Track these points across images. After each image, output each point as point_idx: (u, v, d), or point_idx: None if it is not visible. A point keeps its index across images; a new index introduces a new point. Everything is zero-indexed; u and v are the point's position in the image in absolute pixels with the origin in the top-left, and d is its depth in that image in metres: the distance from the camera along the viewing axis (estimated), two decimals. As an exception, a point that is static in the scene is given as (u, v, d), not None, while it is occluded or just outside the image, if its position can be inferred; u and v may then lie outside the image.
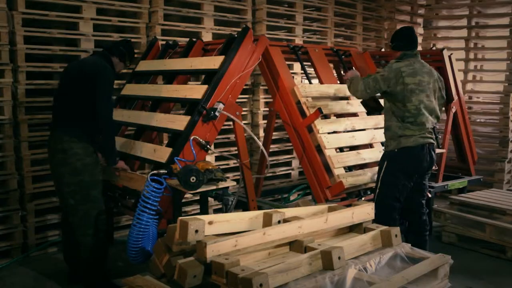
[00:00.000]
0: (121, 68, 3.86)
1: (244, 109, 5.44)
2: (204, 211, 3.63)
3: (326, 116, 4.49)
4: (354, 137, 4.47)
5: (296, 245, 2.76)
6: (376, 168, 4.48)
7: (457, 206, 4.92)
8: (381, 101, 4.88)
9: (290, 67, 5.53)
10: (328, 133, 4.32)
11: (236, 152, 4.17)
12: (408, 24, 7.74)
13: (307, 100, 4.40)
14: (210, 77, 3.79)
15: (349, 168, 4.38)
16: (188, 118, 3.64)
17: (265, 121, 5.22)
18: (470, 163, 5.67)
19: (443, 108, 4.08)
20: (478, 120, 6.77)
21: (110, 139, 3.53)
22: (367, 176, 4.32)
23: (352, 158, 4.37)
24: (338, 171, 4.16)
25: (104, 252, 3.57)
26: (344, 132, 4.48)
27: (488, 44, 6.92)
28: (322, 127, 4.28)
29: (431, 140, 3.87)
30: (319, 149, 4.24)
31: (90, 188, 3.42)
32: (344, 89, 4.74)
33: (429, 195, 4.86)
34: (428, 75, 3.87)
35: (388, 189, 3.86)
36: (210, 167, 3.37)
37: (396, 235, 3.01)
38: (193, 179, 3.17)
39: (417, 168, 3.85)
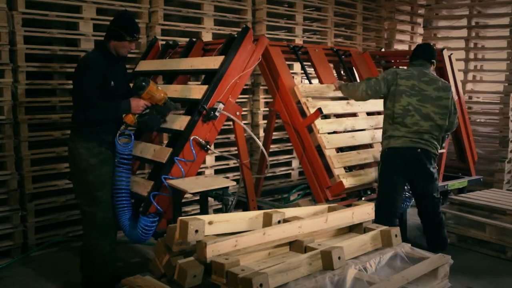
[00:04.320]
0: (127, 49, 3.46)
1: (244, 109, 5.44)
2: (204, 211, 3.63)
3: (326, 116, 4.49)
4: (354, 137, 4.48)
5: (296, 245, 2.77)
6: (377, 168, 4.51)
7: (457, 206, 4.91)
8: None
9: (290, 67, 5.52)
10: (328, 133, 4.32)
11: (236, 152, 4.17)
12: (408, 24, 7.76)
13: (307, 100, 4.40)
14: (210, 77, 3.79)
15: (349, 168, 4.38)
16: (188, 118, 3.64)
17: (265, 121, 5.22)
18: (470, 163, 5.66)
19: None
20: (478, 120, 6.77)
21: (101, 116, 3.34)
22: (367, 176, 4.32)
23: (352, 158, 4.37)
24: (338, 171, 4.16)
25: (108, 258, 3.45)
26: (344, 132, 4.48)
27: (488, 44, 6.91)
28: (322, 127, 4.28)
29: (426, 147, 3.93)
30: (319, 149, 4.24)
31: (95, 189, 3.36)
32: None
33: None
34: (427, 84, 4.00)
35: (383, 187, 4.03)
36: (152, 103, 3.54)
37: (396, 235, 3.01)
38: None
39: (403, 169, 3.95)
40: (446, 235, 4.28)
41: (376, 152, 4.56)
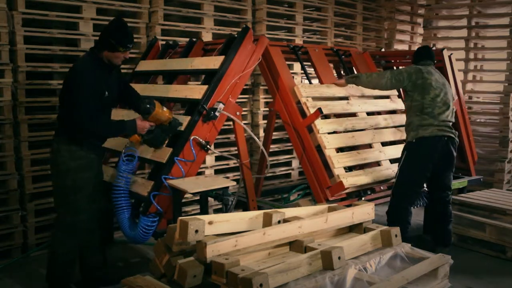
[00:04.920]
0: (120, 58, 3.34)
1: (244, 109, 5.44)
2: (204, 211, 3.63)
3: (326, 116, 4.49)
4: (354, 137, 4.48)
5: (296, 245, 2.77)
6: (376, 168, 4.51)
7: (457, 206, 4.90)
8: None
9: (290, 67, 5.52)
10: (328, 133, 4.32)
11: (236, 152, 4.17)
12: (408, 24, 7.76)
13: (307, 100, 4.40)
14: (210, 77, 3.79)
15: (349, 168, 4.38)
16: (188, 118, 3.64)
17: (265, 121, 5.22)
18: (470, 163, 5.66)
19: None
20: (478, 120, 6.77)
21: (106, 134, 3.41)
22: (367, 176, 4.32)
23: (352, 158, 4.37)
24: (338, 171, 4.16)
25: (67, 265, 3.40)
26: (344, 132, 4.48)
27: (488, 44, 6.91)
28: (322, 127, 4.28)
29: (451, 135, 4.11)
30: (319, 149, 4.25)
31: (70, 194, 3.29)
32: (343, 89, 4.74)
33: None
34: (442, 80, 4.25)
35: (404, 178, 4.08)
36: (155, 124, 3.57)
37: (396, 235, 3.01)
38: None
39: (433, 157, 4.05)
40: (452, 231, 4.37)
41: (376, 152, 4.57)
